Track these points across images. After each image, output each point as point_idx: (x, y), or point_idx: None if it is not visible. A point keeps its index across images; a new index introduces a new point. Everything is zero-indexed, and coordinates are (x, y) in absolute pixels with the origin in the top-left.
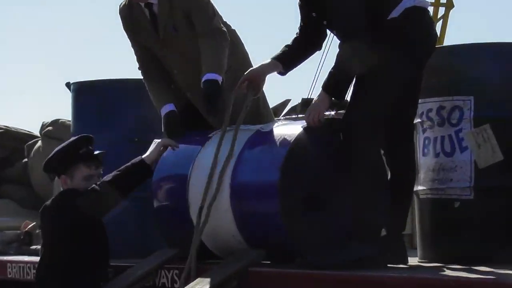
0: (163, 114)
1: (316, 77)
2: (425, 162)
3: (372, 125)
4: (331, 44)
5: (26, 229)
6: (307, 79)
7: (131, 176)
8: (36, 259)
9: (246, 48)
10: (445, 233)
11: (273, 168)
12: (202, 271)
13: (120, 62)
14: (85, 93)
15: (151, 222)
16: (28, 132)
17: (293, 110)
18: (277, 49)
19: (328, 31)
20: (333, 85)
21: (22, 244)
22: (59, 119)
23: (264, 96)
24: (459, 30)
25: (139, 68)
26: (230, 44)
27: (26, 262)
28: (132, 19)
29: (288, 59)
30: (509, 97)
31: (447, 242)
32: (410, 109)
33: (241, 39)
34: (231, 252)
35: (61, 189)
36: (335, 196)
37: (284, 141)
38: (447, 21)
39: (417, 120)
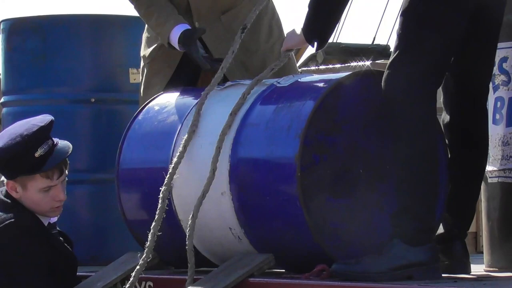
0: (178, 32)
1: (344, 17)
2: (496, 132)
3: (420, 87)
4: None
5: None
6: None
7: None
8: None
9: None
10: None
11: (290, 136)
12: (183, 284)
13: None
14: (21, 35)
15: (114, 215)
16: None
17: (313, 58)
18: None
19: None
20: (307, 23)
21: None
22: None
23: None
24: None
25: None
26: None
27: None
28: None
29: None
30: None
31: None
32: (480, 61)
33: None
34: (228, 254)
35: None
36: (373, 178)
37: (307, 100)
38: None
39: None
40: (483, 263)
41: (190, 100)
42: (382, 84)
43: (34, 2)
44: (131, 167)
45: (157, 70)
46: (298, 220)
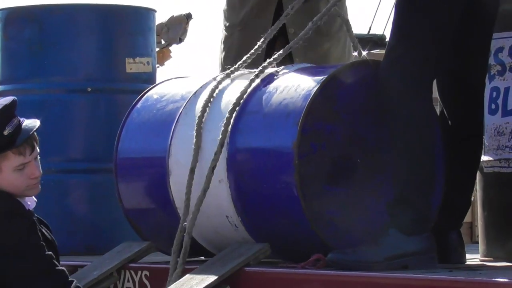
0: None
1: None
2: (492, 122)
3: (416, 77)
4: None
5: None
6: None
7: None
8: None
9: None
10: None
11: (289, 124)
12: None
13: None
14: (18, 24)
15: (110, 204)
16: None
17: None
18: None
19: None
20: None
21: None
22: None
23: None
24: None
25: None
26: None
27: None
28: None
29: None
30: None
31: None
32: (475, 53)
33: None
34: (224, 242)
35: None
36: (370, 168)
37: (306, 89)
38: None
39: None
40: (478, 253)
41: (189, 89)
42: (379, 74)
43: None
44: (129, 156)
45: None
46: (295, 208)
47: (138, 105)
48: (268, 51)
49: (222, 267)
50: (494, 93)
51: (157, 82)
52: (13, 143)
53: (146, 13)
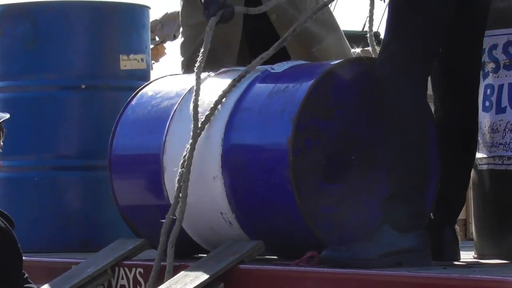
0: None
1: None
2: (486, 119)
3: (410, 73)
4: None
5: None
6: None
7: None
8: None
9: None
10: None
11: (283, 120)
12: (174, 270)
13: None
14: (12, 21)
15: (105, 201)
16: None
17: None
18: None
19: None
20: None
21: None
22: None
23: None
24: None
25: None
26: None
27: None
28: None
29: None
30: None
31: None
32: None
33: None
34: (218, 239)
35: None
36: (365, 164)
37: (301, 85)
38: None
39: None
40: (472, 250)
41: (184, 86)
42: (374, 71)
43: None
44: (124, 152)
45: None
46: (289, 204)
47: (133, 102)
48: (252, 44)
49: (216, 264)
50: (488, 90)
51: (151, 79)
52: None
53: (140, 10)
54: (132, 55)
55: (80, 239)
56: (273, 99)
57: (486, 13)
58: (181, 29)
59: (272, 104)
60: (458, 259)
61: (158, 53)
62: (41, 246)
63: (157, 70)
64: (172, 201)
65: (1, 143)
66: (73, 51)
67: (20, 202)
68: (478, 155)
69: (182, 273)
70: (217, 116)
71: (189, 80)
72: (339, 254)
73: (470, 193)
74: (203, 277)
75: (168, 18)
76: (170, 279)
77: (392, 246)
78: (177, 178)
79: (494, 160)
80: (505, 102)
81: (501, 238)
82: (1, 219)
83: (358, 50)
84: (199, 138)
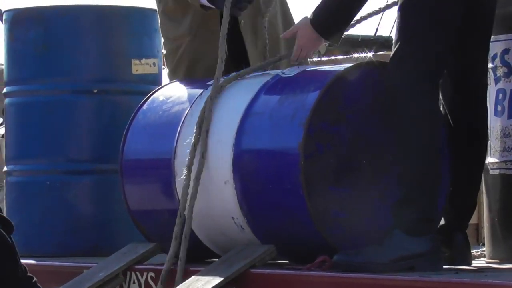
0: None
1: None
2: (497, 124)
3: (421, 79)
4: None
5: None
6: None
7: None
8: None
9: None
10: None
11: (294, 125)
12: (186, 274)
13: None
14: (23, 26)
15: (116, 206)
16: None
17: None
18: None
19: None
20: (321, 20)
21: None
22: None
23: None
24: None
25: None
26: None
27: None
28: None
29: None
30: None
31: None
32: (476, 54)
33: None
34: (230, 244)
35: None
36: (376, 168)
37: (312, 89)
38: None
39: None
40: (484, 255)
41: (195, 90)
42: (386, 74)
43: None
44: (135, 157)
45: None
46: (300, 208)
47: (144, 107)
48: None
49: (228, 268)
50: (500, 95)
51: (163, 84)
52: None
53: (151, 14)
54: (144, 59)
55: (91, 244)
56: (284, 104)
57: (492, 16)
58: (162, 40)
59: (283, 108)
60: (470, 263)
61: None
62: (52, 251)
63: None
64: (184, 206)
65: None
66: (85, 56)
67: (32, 206)
68: (490, 159)
69: (193, 277)
70: (228, 121)
71: (200, 84)
72: (350, 258)
73: (482, 198)
74: (214, 281)
75: None
76: (182, 284)
77: (404, 250)
78: (184, 175)
79: (506, 164)
80: None
81: None
82: None
83: (370, 54)
84: (210, 143)
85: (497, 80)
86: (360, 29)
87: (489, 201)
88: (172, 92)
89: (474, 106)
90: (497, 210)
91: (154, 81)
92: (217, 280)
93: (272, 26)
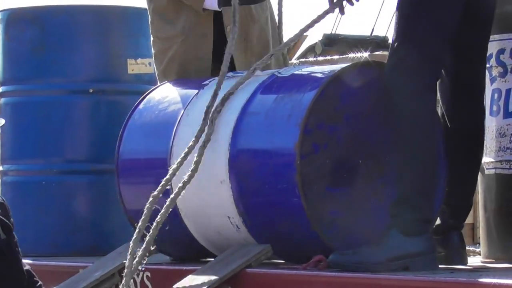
0: None
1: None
2: (493, 124)
3: (419, 78)
4: None
5: None
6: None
7: None
8: None
9: None
10: None
11: (291, 125)
12: (181, 274)
13: None
14: (20, 25)
15: (112, 206)
16: None
17: (311, 49)
18: None
19: None
20: None
21: None
22: None
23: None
24: None
25: None
26: None
27: None
28: None
29: None
30: None
31: None
32: (474, 54)
33: None
34: (226, 243)
35: None
36: (372, 168)
37: (308, 89)
38: None
39: None
40: (480, 254)
41: (191, 90)
42: (383, 75)
43: None
44: (131, 157)
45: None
46: (296, 208)
47: (140, 106)
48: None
49: (223, 268)
50: (496, 95)
51: (159, 84)
52: None
53: (147, 14)
54: (139, 59)
55: (87, 243)
56: (280, 104)
57: (491, 16)
58: (151, 39)
59: (279, 108)
60: (465, 263)
61: None
62: (48, 250)
63: None
64: (180, 205)
65: None
66: (81, 56)
67: (28, 206)
68: (486, 159)
69: (189, 277)
70: (224, 120)
71: (196, 84)
72: (346, 258)
73: (478, 197)
74: (210, 281)
75: None
76: (177, 283)
77: (399, 250)
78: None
79: (501, 164)
80: None
81: (508, 242)
82: None
83: (366, 54)
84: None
85: (492, 80)
86: (356, 29)
87: (485, 201)
88: (168, 91)
89: (470, 107)
90: (493, 209)
91: (150, 80)
92: (213, 280)
93: (263, 32)
